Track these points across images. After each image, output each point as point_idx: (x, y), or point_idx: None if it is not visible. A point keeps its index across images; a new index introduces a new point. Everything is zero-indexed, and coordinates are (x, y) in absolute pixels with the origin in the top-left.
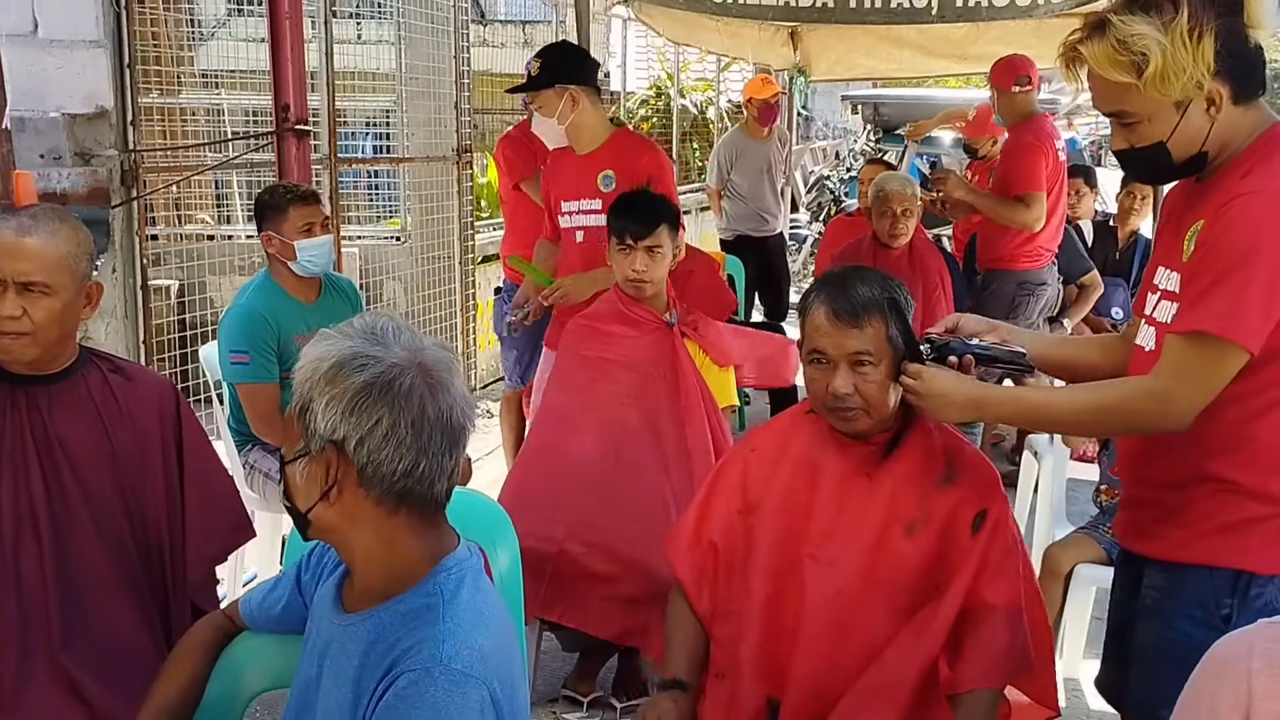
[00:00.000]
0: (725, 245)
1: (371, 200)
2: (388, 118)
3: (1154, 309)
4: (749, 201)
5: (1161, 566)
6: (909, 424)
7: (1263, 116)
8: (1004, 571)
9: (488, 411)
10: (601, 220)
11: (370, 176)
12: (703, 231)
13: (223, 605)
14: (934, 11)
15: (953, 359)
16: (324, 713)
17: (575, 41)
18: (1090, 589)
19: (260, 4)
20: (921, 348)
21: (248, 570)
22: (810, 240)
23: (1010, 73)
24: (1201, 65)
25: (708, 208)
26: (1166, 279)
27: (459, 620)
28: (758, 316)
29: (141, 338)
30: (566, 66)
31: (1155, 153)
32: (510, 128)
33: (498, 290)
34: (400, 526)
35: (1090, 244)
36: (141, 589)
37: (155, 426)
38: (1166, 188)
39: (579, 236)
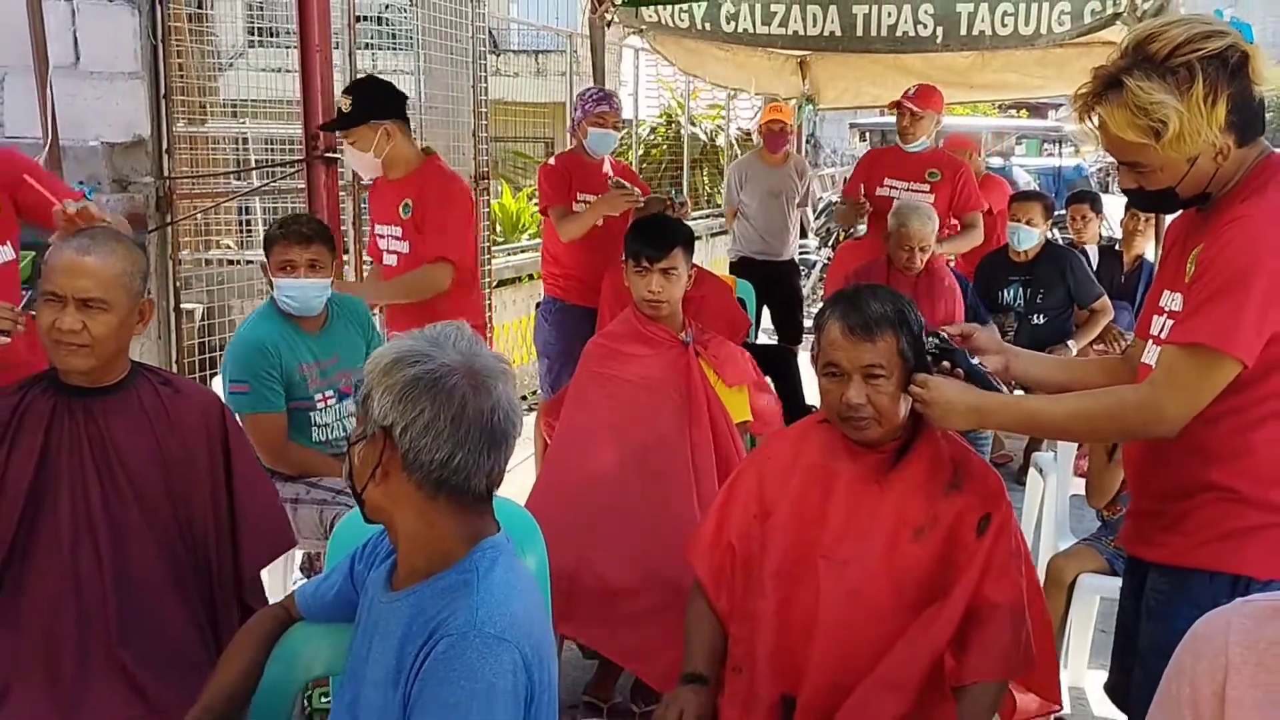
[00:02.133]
0: (731, 267)
1: None
2: None
3: (1161, 330)
4: (754, 224)
5: (1165, 571)
6: (918, 433)
7: (1261, 149)
8: (1007, 573)
9: None
10: (405, 246)
11: None
12: (713, 256)
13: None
14: (938, 40)
15: (946, 364)
16: (371, 684)
17: (591, 70)
18: (1094, 597)
19: (277, 35)
20: (927, 340)
21: None
22: (819, 265)
23: (940, 100)
24: (1215, 128)
25: (718, 233)
26: (1171, 301)
27: (492, 590)
28: (765, 339)
29: (174, 358)
30: (377, 102)
31: (1164, 195)
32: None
33: (539, 305)
34: (440, 511)
35: (1096, 268)
36: (189, 588)
37: (202, 436)
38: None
39: (391, 260)
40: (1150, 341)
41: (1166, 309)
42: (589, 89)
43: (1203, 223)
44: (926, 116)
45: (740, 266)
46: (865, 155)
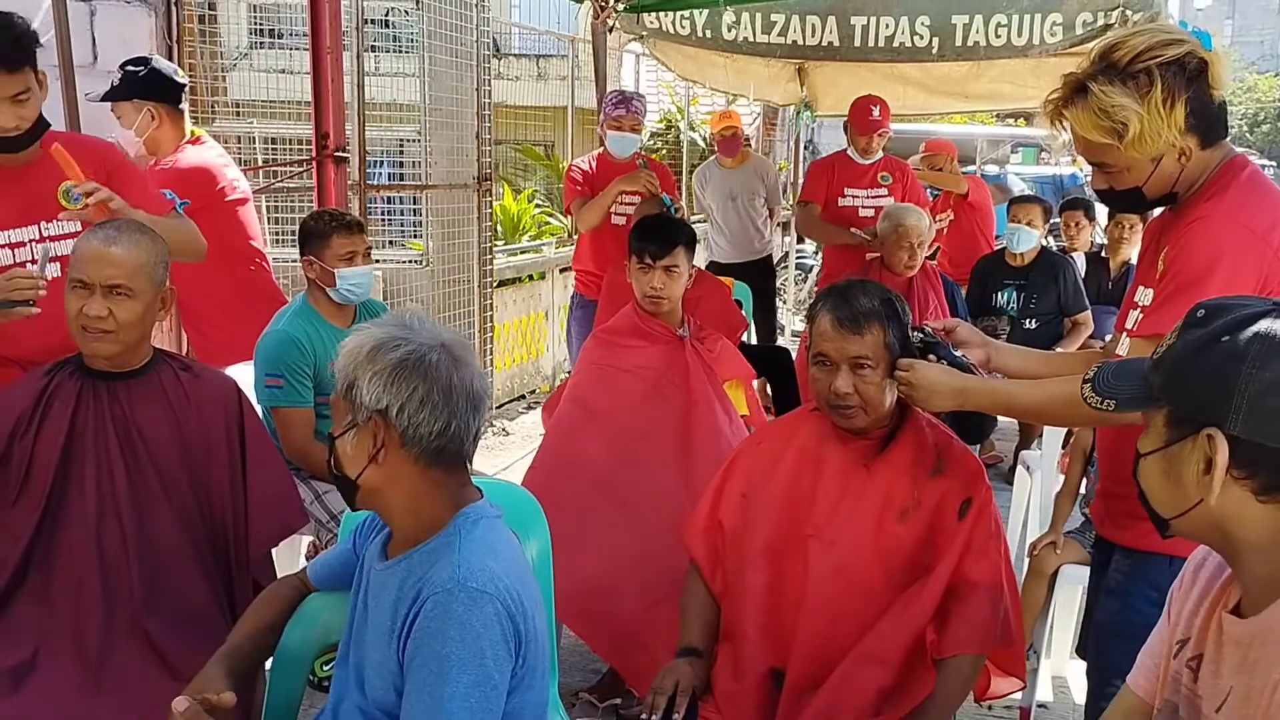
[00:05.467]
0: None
1: (389, 224)
2: (401, 146)
3: (1134, 324)
4: (717, 228)
5: (1127, 553)
6: (904, 421)
7: (1225, 152)
8: (986, 553)
9: (503, 430)
10: None
11: (386, 203)
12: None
13: None
14: (935, 50)
15: (932, 357)
16: (370, 644)
17: (592, 75)
18: (1076, 588)
19: (281, 36)
20: (913, 335)
21: None
22: (815, 269)
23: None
24: (1174, 129)
25: None
26: (1144, 296)
27: (472, 549)
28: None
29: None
30: (146, 83)
31: (1132, 194)
32: (519, 158)
33: (574, 296)
34: (433, 482)
35: (1085, 274)
36: (208, 563)
37: (220, 419)
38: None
39: None
40: (1125, 334)
41: (1140, 304)
42: (612, 92)
43: (1172, 222)
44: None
45: (709, 269)
46: (819, 164)
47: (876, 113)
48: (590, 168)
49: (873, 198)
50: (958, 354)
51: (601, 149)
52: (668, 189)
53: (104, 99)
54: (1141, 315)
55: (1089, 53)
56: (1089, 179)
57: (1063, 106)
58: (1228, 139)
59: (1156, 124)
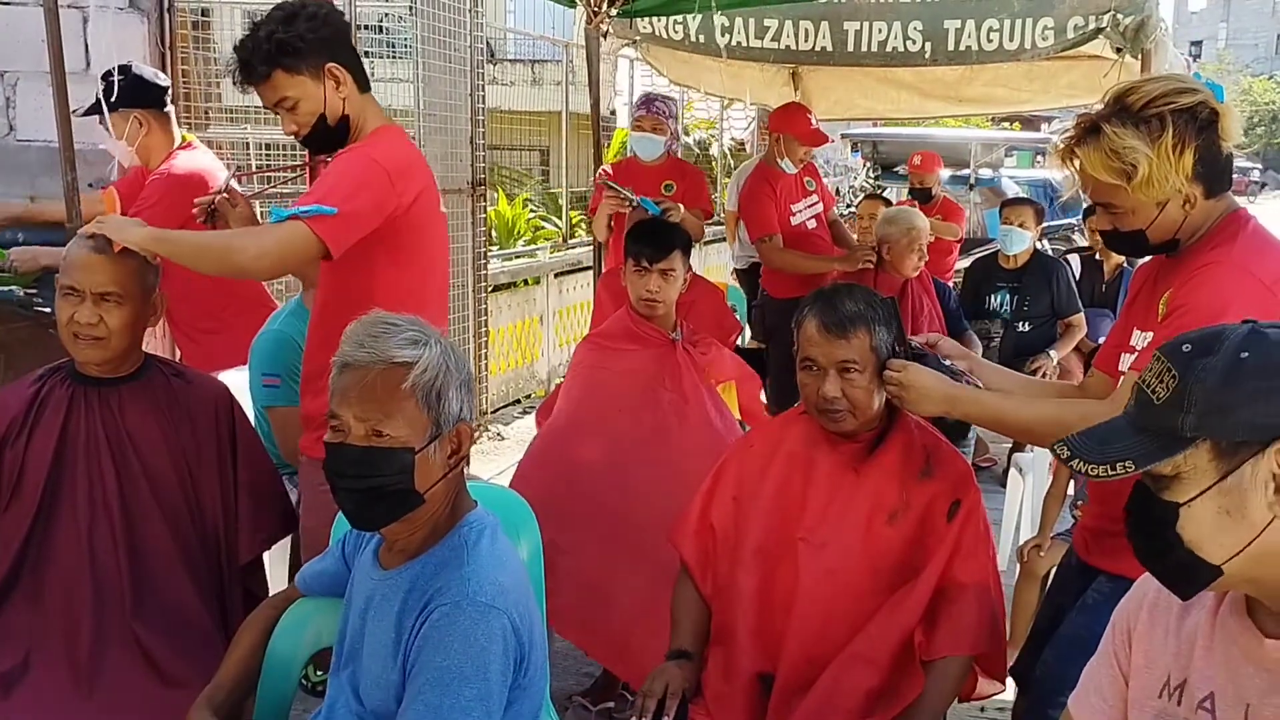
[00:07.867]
0: (740, 273)
1: None
2: None
3: (1128, 366)
4: None
5: (1114, 578)
6: (892, 424)
7: (1228, 204)
8: (975, 555)
9: (498, 435)
10: None
11: None
12: (705, 265)
13: None
14: (927, 55)
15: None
16: (370, 655)
17: (586, 80)
18: None
19: None
20: (897, 349)
21: None
22: None
23: None
24: (1181, 175)
25: (710, 241)
26: (1140, 339)
27: (481, 562)
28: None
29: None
30: (131, 92)
31: (1135, 237)
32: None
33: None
34: (453, 486)
35: (1079, 277)
36: (199, 568)
37: (212, 425)
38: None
39: None
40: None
41: (1136, 347)
42: (641, 94)
43: (1172, 268)
44: None
45: (750, 272)
46: (759, 190)
47: (814, 122)
48: (611, 170)
49: (810, 208)
50: (946, 363)
51: (632, 152)
52: (696, 195)
53: (89, 113)
54: (1137, 358)
55: (1105, 96)
56: None
57: (1075, 145)
58: (1230, 190)
59: (1165, 168)
